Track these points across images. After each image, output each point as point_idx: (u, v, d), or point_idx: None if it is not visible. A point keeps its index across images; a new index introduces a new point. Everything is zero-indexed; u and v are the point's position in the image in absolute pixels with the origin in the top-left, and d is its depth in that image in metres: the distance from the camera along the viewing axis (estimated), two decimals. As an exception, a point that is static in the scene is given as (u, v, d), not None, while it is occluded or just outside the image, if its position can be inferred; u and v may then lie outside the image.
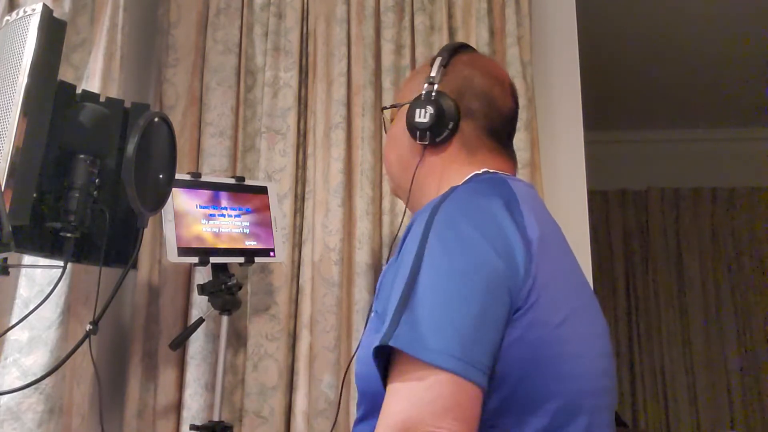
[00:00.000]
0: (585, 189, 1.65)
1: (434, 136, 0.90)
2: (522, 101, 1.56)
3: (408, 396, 0.64)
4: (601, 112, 3.36)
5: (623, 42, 2.83)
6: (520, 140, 1.54)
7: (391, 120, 1.01)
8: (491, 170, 0.89)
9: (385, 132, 1.05)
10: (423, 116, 0.89)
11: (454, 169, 0.90)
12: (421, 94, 0.91)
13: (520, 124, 1.55)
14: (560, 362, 0.71)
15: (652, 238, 3.66)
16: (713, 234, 3.63)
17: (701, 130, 3.76)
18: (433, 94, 0.90)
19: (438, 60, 0.93)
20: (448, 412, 0.62)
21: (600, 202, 3.70)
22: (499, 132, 0.94)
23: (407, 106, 0.93)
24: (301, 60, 1.62)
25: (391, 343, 0.64)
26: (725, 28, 2.68)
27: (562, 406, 0.70)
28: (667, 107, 3.49)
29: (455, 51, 0.95)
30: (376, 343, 0.66)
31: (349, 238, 1.54)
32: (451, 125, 0.90)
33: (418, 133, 0.90)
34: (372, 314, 0.82)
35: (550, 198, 1.61)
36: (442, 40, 1.59)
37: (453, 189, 0.80)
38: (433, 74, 0.92)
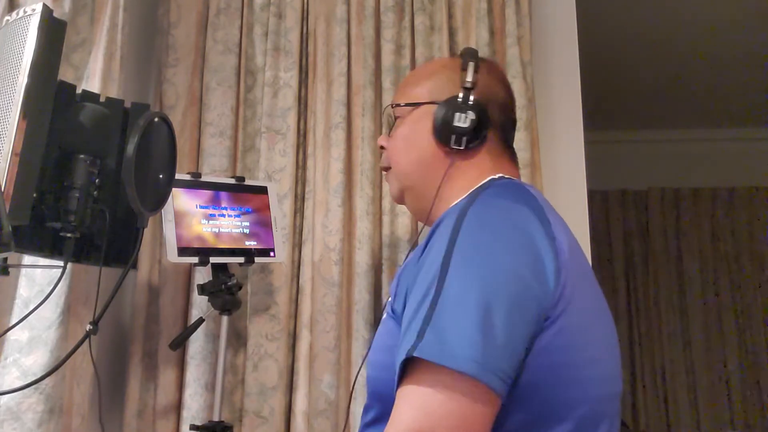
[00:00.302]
0: (585, 189, 1.65)
1: (468, 142, 0.88)
2: (522, 101, 1.56)
3: (422, 404, 0.63)
4: (601, 112, 3.36)
5: (623, 42, 2.83)
6: (520, 140, 1.54)
7: (396, 118, 0.98)
8: (506, 176, 0.89)
9: (388, 131, 1.01)
10: (463, 121, 0.87)
11: (478, 175, 0.89)
12: (456, 97, 0.89)
13: (520, 124, 1.55)
14: (582, 368, 0.71)
15: (652, 238, 3.65)
16: (713, 234, 3.63)
17: (701, 130, 3.76)
18: (471, 100, 0.88)
19: (472, 65, 0.91)
20: (460, 428, 0.61)
21: (600, 202, 3.70)
22: (510, 140, 0.95)
23: (433, 106, 0.91)
24: (301, 60, 1.62)
25: (416, 354, 0.63)
26: (725, 28, 2.68)
27: (587, 412, 0.70)
28: (667, 107, 3.49)
29: (477, 57, 0.94)
30: (403, 355, 0.65)
31: (349, 238, 1.53)
32: (485, 133, 0.89)
33: (453, 137, 0.88)
34: (385, 315, 0.81)
35: (550, 198, 1.59)
36: (442, 41, 1.59)
37: (477, 194, 0.79)
38: (469, 79, 0.90)
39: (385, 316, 0.82)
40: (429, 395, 0.63)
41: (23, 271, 1.14)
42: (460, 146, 0.88)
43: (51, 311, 1.14)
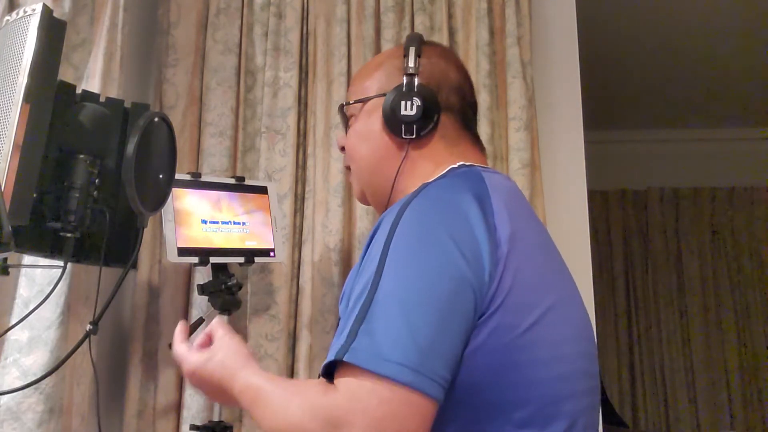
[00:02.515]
0: (585, 189, 1.65)
1: (419, 129, 0.86)
2: (522, 101, 1.56)
3: (356, 403, 0.60)
4: (601, 112, 3.36)
5: (623, 42, 2.83)
6: (520, 140, 1.54)
7: (350, 116, 0.96)
8: (467, 163, 0.86)
9: (345, 130, 0.98)
10: (410, 108, 0.85)
11: (434, 163, 0.86)
12: (401, 85, 0.86)
13: (521, 124, 1.55)
14: (531, 367, 0.68)
15: (651, 238, 3.66)
16: (713, 234, 3.63)
17: (701, 130, 3.76)
18: (416, 85, 0.86)
19: (412, 50, 0.88)
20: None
21: (600, 202, 3.70)
22: (471, 124, 0.93)
23: (382, 98, 0.88)
24: (301, 60, 1.62)
25: (346, 359, 0.61)
26: (725, 28, 2.68)
27: (535, 413, 0.67)
28: (667, 107, 3.49)
29: (422, 41, 0.92)
30: (332, 356, 0.62)
31: (349, 238, 1.53)
32: (435, 118, 0.86)
33: (403, 126, 0.86)
34: (340, 320, 0.80)
35: (550, 198, 1.60)
36: (442, 40, 1.59)
37: (424, 186, 0.77)
38: (411, 64, 0.87)
39: (340, 320, 0.81)
40: (364, 400, 0.59)
41: (23, 271, 1.14)
42: (411, 135, 0.86)
43: (51, 311, 1.14)
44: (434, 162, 0.87)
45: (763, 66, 3.00)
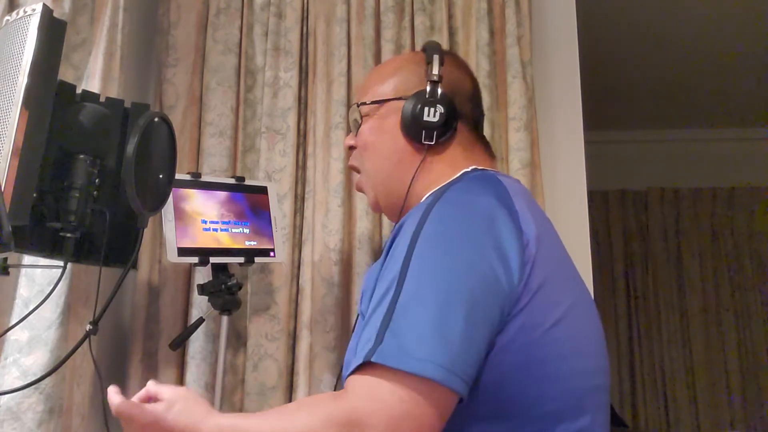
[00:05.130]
0: (585, 189, 1.65)
1: (439, 136, 0.87)
2: (522, 101, 1.56)
3: (376, 403, 0.61)
4: (601, 112, 3.36)
5: (623, 42, 2.83)
6: (520, 140, 1.54)
7: (362, 117, 0.96)
8: (480, 167, 0.88)
9: (355, 131, 0.98)
10: (433, 115, 0.86)
11: (451, 168, 0.88)
12: (424, 91, 0.88)
13: (520, 124, 1.55)
14: (555, 363, 0.69)
15: (652, 238, 3.65)
16: (713, 234, 3.63)
17: (701, 130, 3.76)
18: (439, 93, 0.88)
19: (436, 58, 0.90)
20: (413, 429, 0.60)
21: (600, 202, 3.70)
22: (481, 129, 0.95)
23: (400, 102, 0.90)
24: (301, 60, 1.62)
25: (374, 360, 0.62)
26: (725, 27, 2.68)
27: (560, 408, 0.69)
28: (667, 107, 3.49)
29: (441, 50, 0.94)
30: (360, 359, 0.63)
31: (349, 238, 1.53)
32: (454, 125, 0.88)
33: (423, 132, 0.87)
34: (359, 317, 0.80)
35: (550, 198, 1.60)
36: (442, 40, 1.59)
37: (446, 188, 0.78)
38: (435, 72, 0.89)
39: (359, 317, 0.81)
40: (385, 396, 0.61)
41: (23, 271, 1.14)
42: (431, 141, 0.87)
43: (51, 311, 1.14)
44: (451, 167, 0.88)
45: (763, 66, 3.00)
